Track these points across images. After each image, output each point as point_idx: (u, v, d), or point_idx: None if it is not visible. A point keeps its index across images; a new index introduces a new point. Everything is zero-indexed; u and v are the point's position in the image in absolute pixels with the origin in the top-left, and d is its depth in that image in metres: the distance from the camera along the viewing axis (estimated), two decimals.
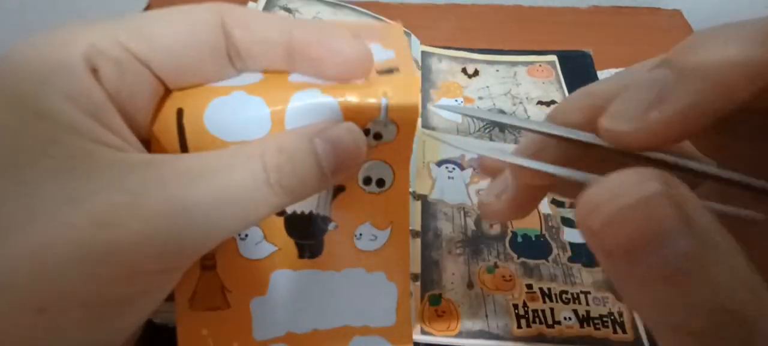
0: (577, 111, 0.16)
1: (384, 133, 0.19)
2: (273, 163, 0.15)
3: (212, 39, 0.17)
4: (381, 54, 0.19)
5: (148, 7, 0.49)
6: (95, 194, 0.13)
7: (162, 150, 0.17)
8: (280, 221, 0.20)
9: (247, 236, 0.20)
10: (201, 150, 0.17)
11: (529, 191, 0.19)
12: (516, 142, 0.38)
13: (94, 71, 0.15)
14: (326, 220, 0.21)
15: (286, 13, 0.41)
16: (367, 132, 0.18)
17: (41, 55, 0.14)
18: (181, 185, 0.14)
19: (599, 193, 0.11)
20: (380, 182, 0.20)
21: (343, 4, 0.43)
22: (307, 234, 0.21)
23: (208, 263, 0.20)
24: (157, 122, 0.17)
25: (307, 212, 0.20)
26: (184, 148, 0.17)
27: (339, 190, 0.20)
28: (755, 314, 0.10)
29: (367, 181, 0.20)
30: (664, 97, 0.13)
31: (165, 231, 0.14)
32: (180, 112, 0.17)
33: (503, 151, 0.17)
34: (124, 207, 0.13)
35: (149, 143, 0.17)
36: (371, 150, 0.19)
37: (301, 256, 0.21)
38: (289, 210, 0.20)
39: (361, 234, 0.21)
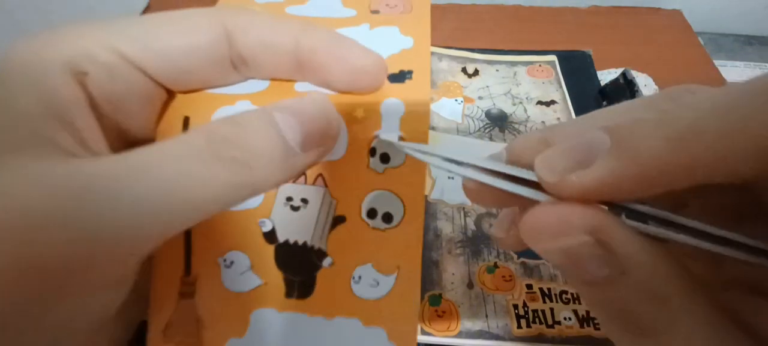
0: (529, 152, 0.15)
1: (392, 155, 0.17)
2: (219, 134, 0.14)
3: (213, 46, 0.16)
4: (397, 42, 0.19)
5: (148, 8, 0.49)
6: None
7: None
8: (271, 249, 0.18)
9: (232, 263, 0.18)
10: None
11: None
12: None
13: (82, 74, 0.14)
14: (321, 254, 0.18)
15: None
16: (372, 152, 0.17)
17: (24, 54, 0.14)
18: (100, 166, 0.13)
19: (538, 229, 0.14)
20: (387, 217, 0.18)
21: None
22: (298, 268, 0.18)
23: (187, 289, 0.18)
24: (160, 126, 0.17)
25: (300, 241, 0.18)
26: None
27: (338, 220, 0.18)
28: (655, 326, 0.12)
29: (372, 214, 0.18)
30: (588, 163, 0.13)
31: (65, 210, 0.12)
32: (186, 121, 0.17)
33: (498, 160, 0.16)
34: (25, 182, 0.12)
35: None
36: (378, 177, 0.17)
37: (288, 295, 0.18)
38: (281, 238, 0.18)
39: (359, 277, 0.18)
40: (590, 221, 0.13)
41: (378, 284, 0.18)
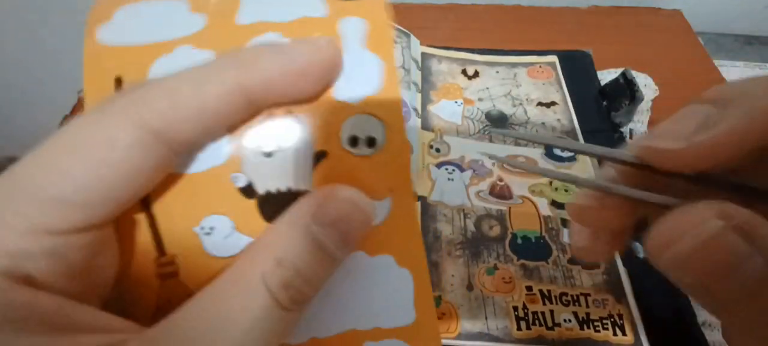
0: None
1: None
2: (277, 283, 0.13)
3: (143, 157, 0.13)
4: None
5: None
6: None
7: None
8: (252, 204, 0.16)
9: (212, 229, 0.16)
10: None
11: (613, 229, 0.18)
12: (516, 143, 0.39)
13: (29, 279, 0.12)
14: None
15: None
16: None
17: None
18: None
19: (666, 232, 0.12)
20: (370, 142, 0.16)
21: None
22: None
23: (166, 270, 0.16)
24: (86, 88, 0.15)
25: (283, 188, 0.16)
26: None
27: (320, 156, 0.16)
28: None
29: (354, 141, 0.16)
30: (709, 124, 0.13)
31: None
32: (119, 82, 0.15)
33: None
34: None
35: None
36: (357, 106, 0.16)
37: None
38: (261, 190, 0.16)
39: None
40: (717, 206, 0.12)
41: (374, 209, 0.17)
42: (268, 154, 0.16)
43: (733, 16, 0.57)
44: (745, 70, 0.54)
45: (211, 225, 0.16)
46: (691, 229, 0.12)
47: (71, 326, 0.12)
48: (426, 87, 0.42)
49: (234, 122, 0.15)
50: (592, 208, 0.16)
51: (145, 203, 0.16)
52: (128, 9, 0.16)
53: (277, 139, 0.16)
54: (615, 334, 0.28)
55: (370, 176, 0.17)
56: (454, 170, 0.36)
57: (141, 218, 0.16)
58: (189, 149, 0.15)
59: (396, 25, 0.44)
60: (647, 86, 0.45)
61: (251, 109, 0.15)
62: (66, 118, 0.40)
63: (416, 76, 0.42)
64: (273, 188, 0.16)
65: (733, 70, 0.54)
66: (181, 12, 0.16)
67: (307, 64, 0.14)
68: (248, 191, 0.16)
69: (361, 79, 0.16)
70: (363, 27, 0.16)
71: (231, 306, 0.13)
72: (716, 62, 0.49)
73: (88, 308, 0.13)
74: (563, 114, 0.41)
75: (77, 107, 0.40)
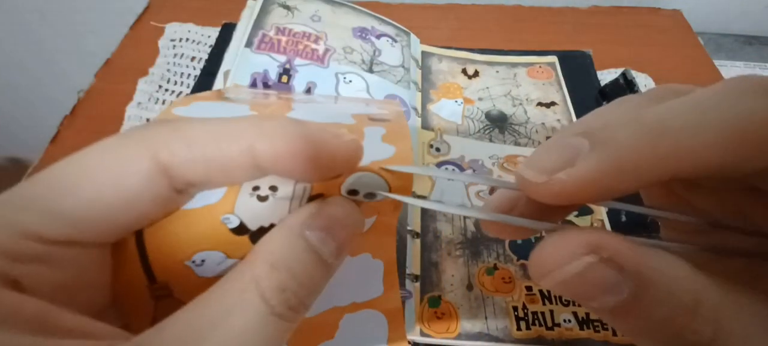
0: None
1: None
2: (271, 287, 0.13)
3: (148, 188, 0.14)
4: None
5: (148, 8, 0.49)
6: None
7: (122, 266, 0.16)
8: (245, 239, 0.16)
9: (203, 261, 0.16)
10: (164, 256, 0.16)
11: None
12: (516, 143, 0.39)
13: (16, 284, 0.12)
14: None
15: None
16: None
17: None
18: None
19: (545, 260, 0.13)
20: (369, 196, 0.17)
21: (342, 2, 0.43)
22: None
23: (160, 293, 0.17)
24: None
25: (277, 223, 0.17)
26: (144, 258, 0.16)
27: (315, 197, 0.17)
28: (700, 338, 0.12)
29: (352, 193, 0.17)
30: (573, 162, 0.13)
31: None
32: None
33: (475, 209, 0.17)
34: None
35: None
36: (364, 166, 0.17)
37: None
38: (254, 226, 0.16)
39: None
40: (587, 238, 0.12)
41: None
42: (263, 198, 0.16)
43: (733, 16, 0.57)
44: (745, 70, 0.54)
45: (203, 258, 0.17)
46: (563, 262, 0.13)
47: (56, 330, 0.12)
48: (426, 86, 0.42)
49: (238, 179, 0.15)
50: (499, 224, 0.17)
51: (137, 236, 0.16)
52: (203, 104, 0.19)
53: (275, 183, 0.16)
54: (614, 334, 0.28)
55: (362, 208, 0.17)
56: (454, 170, 0.36)
57: (133, 251, 0.16)
58: (190, 190, 0.15)
59: (397, 24, 0.44)
60: (647, 86, 0.45)
61: (257, 172, 0.15)
62: (66, 119, 0.40)
63: (416, 75, 0.42)
64: (266, 224, 0.16)
65: (733, 70, 0.54)
66: (243, 111, 0.19)
67: (323, 151, 0.14)
68: (240, 229, 0.16)
69: (373, 151, 0.17)
70: (383, 130, 0.18)
71: (220, 311, 0.13)
72: (716, 62, 0.49)
73: (75, 314, 0.13)
74: (563, 114, 0.41)
75: (77, 107, 0.40)
